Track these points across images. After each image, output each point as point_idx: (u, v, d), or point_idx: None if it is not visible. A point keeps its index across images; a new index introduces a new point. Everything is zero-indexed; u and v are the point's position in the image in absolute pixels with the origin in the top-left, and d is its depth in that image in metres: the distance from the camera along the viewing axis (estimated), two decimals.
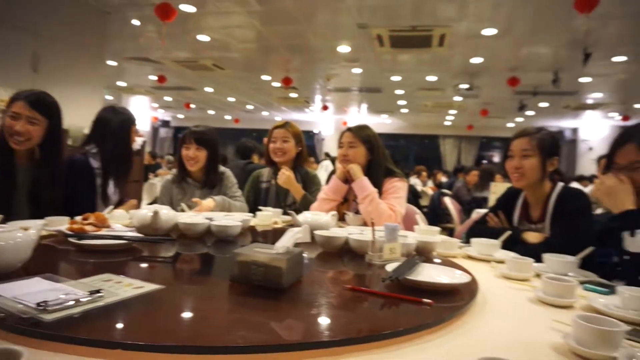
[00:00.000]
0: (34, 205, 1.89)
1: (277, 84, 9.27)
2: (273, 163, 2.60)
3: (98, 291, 0.82)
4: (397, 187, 2.17)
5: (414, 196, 6.98)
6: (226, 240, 1.60)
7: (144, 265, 1.27)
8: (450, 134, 15.35)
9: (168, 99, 12.78)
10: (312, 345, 0.71)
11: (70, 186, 2.07)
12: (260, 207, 2.20)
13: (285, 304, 0.93)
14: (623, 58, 6.43)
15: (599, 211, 3.22)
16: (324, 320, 0.85)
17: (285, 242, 0.99)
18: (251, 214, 2.04)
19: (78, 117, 3.41)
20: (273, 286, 0.95)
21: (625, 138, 1.47)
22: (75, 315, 0.74)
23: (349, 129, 2.29)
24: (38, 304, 0.74)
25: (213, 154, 2.44)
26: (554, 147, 1.80)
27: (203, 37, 6.30)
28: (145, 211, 1.60)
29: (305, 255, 1.44)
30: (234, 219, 1.76)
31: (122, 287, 0.89)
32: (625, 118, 11.57)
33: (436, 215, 5.90)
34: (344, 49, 6.66)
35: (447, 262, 1.37)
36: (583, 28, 4.93)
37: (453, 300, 0.96)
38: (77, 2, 4.87)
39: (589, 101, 10.03)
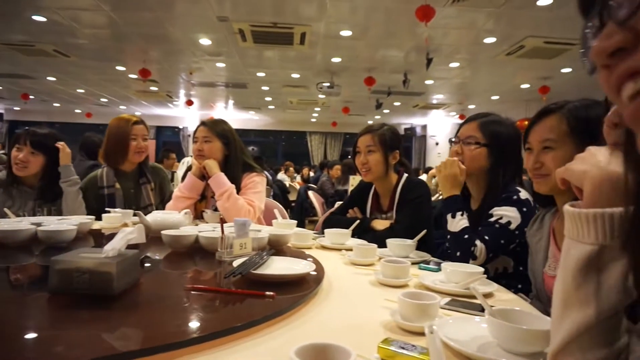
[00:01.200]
0: None
1: (134, 76, 8.58)
2: (114, 162, 2.33)
3: None
4: (256, 182, 2.16)
5: (282, 191, 7.10)
6: (59, 248, 1.41)
7: None
8: (316, 130, 15.95)
9: None
10: (141, 353, 0.65)
11: None
12: (108, 210, 1.99)
13: (117, 312, 0.84)
14: (457, 64, 7.35)
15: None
16: (158, 324, 0.78)
17: (115, 244, 0.90)
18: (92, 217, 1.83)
19: None
20: (103, 293, 0.85)
21: (469, 119, 1.64)
22: None
23: (203, 123, 2.20)
24: None
25: (53, 162, 2.14)
26: (395, 142, 1.97)
27: (39, 18, 5.50)
28: None
29: (153, 257, 1.35)
30: (68, 223, 1.56)
31: None
32: (462, 117, 13.30)
33: (303, 209, 6.09)
34: (205, 41, 6.43)
35: (298, 254, 1.39)
36: (424, 35, 5.50)
37: (299, 291, 0.97)
38: None
39: (434, 101, 11.29)
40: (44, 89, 10.75)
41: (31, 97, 11.84)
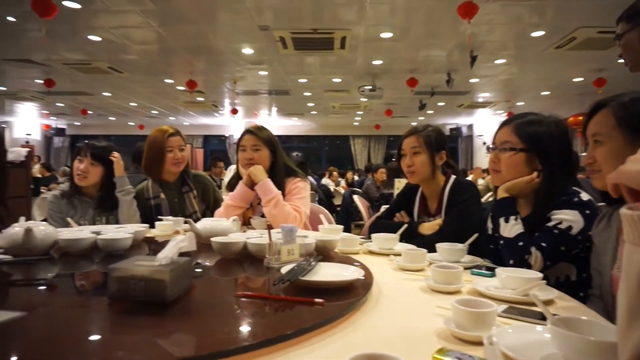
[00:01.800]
0: None
1: (181, 88, 8.90)
2: (154, 174, 2.40)
3: None
4: (300, 188, 2.17)
5: (326, 196, 7.12)
6: (117, 255, 1.47)
7: (9, 291, 1.12)
8: (359, 133, 15.89)
9: (60, 104, 11.68)
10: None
11: None
12: (160, 218, 2.07)
13: (171, 318, 0.86)
14: (504, 60, 7.10)
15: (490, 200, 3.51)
16: (211, 331, 0.80)
17: (168, 252, 0.92)
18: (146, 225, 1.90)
19: None
20: (157, 300, 0.88)
21: (504, 123, 1.56)
22: None
23: (250, 131, 2.23)
24: None
25: (110, 173, 2.25)
26: (440, 142, 1.91)
27: (95, 38, 5.84)
28: (17, 229, 1.42)
29: (204, 263, 1.38)
30: (125, 231, 1.63)
31: None
32: (510, 114, 12.80)
33: (349, 214, 6.06)
34: (247, 51, 6.58)
35: (345, 260, 1.38)
36: (468, 33, 5.35)
37: (348, 297, 0.96)
38: None
39: (480, 100, 10.96)
40: (100, 104, 11.37)
41: (89, 112, 12.57)
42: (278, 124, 14.48)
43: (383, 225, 1.89)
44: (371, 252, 1.61)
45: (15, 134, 13.99)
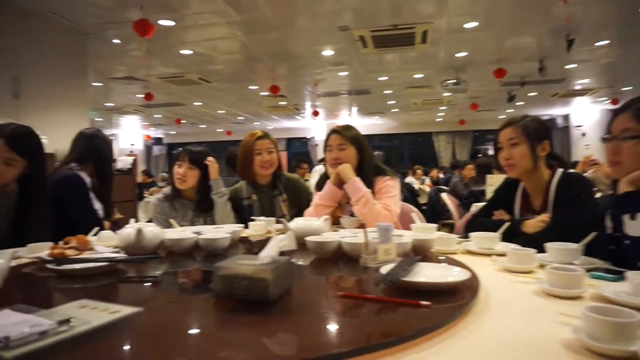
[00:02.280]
0: (18, 233, 1.81)
1: (265, 93, 9.24)
2: (249, 176, 2.49)
3: (68, 320, 0.75)
4: (390, 186, 2.12)
5: (411, 194, 6.94)
6: (216, 254, 1.54)
7: (126, 288, 1.20)
8: (443, 130, 15.36)
9: (158, 116, 12.72)
10: None
11: (67, 204, 2.04)
12: (252, 218, 2.13)
13: (274, 317, 0.86)
14: (606, 42, 6.42)
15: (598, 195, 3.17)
16: (315, 332, 0.78)
17: (269, 252, 0.93)
18: (242, 225, 1.97)
19: (64, 140, 3.33)
20: (259, 299, 0.88)
21: (620, 109, 1.41)
22: (41, 349, 0.68)
23: (336, 131, 2.23)
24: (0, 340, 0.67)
25: (206, 176, 2.38)
26: (542, 132, 1.75)
27: (186, 51, 6.26)
28: (130, 230, 1.53)
29: (297, 262, 1.39)
30: (222, 231, 1.69)
31: (96, 313, 0.83)
32: (614, 102, 11.58)
33: (435, 212, 5.86)
34: (327, 52, 6.63)
35: (445, 260, 1.31)
36: (563, 15, 4.91)
37: (453, 300, 0.90)
38: (54, 24, 4.80)
39: (577, 87, 10.04)
40: (192, 113, 12.18)
41: (183, 121, 13.53)
42: (358, 123, 14.34)
43: (481, 223, 1.78)
44: (470, 252, 1.51)
45: (120, 144, 15.46)
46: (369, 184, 2.09)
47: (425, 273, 1.04)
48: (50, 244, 1.56)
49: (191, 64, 6.97)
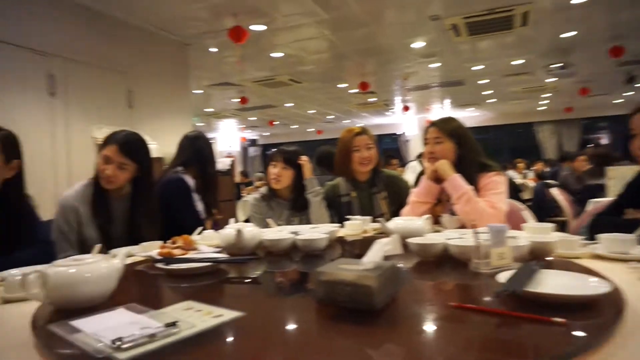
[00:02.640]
0: (132, 232, 1.95)
1: (354, 90, 9.20)
2: (348, 173, 2.45)
3: (174, 323, 0.76)
4: (496, 182, 1.94)
5: (514, 190, 6.44)
6: (314, 255, 1.51)
7: (227, 288, 1.22)
8: (546, 119, 14.11)
9: (253, 118, 13.32)
10: None
11: (173, 206, 2.17)
12: (348, 217, 2.09)
13: (379, 327, 0.80)
14: None
15: None
16: (427, 347, 0.70)
17: (373, 256, 0.86)
18: (338, 225, 1.94)
19: (171, 145, 3.61)
20: (364, 307, 0.82)
21: None
22: (150, 351, 0.68)
23: (433, 124, 2.10)
24: (113, 342, 0.69)
25: (300, 176, 2.39)
26: None
27: (277, 54, 6.43)
28: (230, 230, 1.57)
29: (399, 267, 1.31)
30: (319, 231, 1.67)
31: (200, 317, 0.83)
32: None
33: (541, 209, 5.37)
34: (418, 45, 6.39)
35: (570, 266, 1.14)
36: None
37: (589, 317, 0.76)
38: (159, 38, 5.20)
39: None
40: (284, 114, 12.58)
41: (275, 122, 14.04)
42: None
43: (610, 223, 1.54)
44: (599, 257, 1.31)
45: (219, 147, 16.47)
46: (472, 181, 1.94)
47: (551, 282, 0.90)
48: (159, 243, 1.66)
49: (282, 66, 7.15)
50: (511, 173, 8.43)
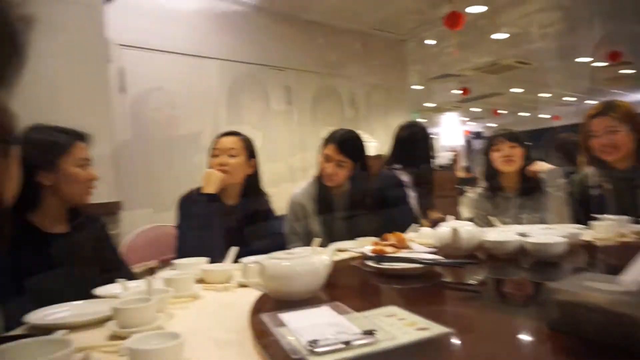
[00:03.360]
0: (353, 228, 2.02)
1: (600, 64, 7.65)
2: (600, 161, 2.00)
3: (372, 332, 0.68)
4: None
5: None
6: (549, 263, 1.25)
7: (438, 295, 1.09)
8: None
9: (475, 109, 12.60)
10: None
11: (386, 202, 2.18)
12: (595, 216, 1.68)
13: None
14: None
15: None
16: None
17: (637, 273, 0.61)
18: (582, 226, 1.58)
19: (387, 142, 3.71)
20: (622, 345, 0.59)
21: None
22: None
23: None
24: (309, 343, 0.66)
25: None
26: None
27: (499, 36, 5.85)
28: (445, 228, 1.44)
29: None
30: (555, 233, 1.37)
31: (402, 327, 0.73)
32: None
33: None
34: None
35: None
36: None
37: None
38: (379, 39, 5.38)
39: None
40: (510, 101, 11.48)
41: (502, 111, 12.96)
42: None
43: None
44: None
45: (442, 142, 16.18)
46: None
47: None
48: (373, 239, 1.65)
49: (506, 48, 6.48)
50: None
